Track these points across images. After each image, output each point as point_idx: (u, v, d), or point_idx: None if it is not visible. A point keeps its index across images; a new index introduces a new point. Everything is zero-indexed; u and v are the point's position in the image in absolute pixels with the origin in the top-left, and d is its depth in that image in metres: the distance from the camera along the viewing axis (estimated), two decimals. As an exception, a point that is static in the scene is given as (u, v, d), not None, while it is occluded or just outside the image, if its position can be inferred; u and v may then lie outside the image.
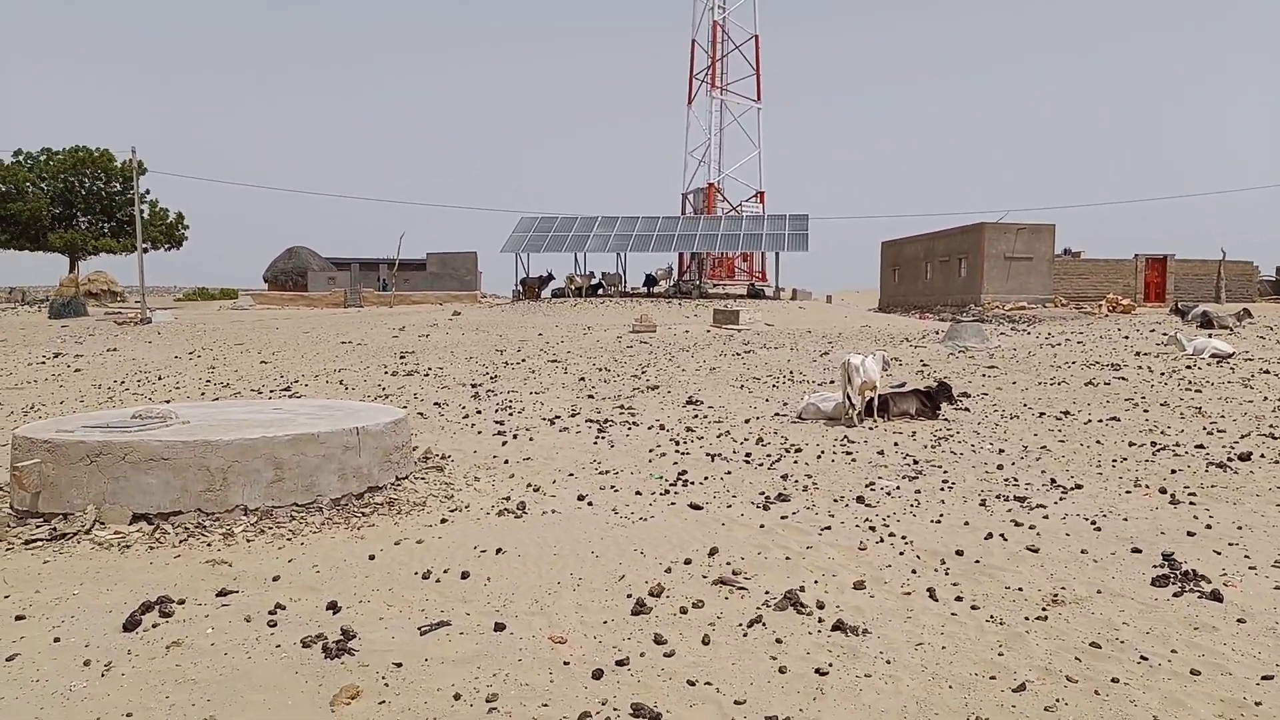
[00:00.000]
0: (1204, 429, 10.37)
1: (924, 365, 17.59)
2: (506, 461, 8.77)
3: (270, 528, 6.10)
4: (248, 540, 5.83)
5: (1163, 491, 7.35)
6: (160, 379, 17.17)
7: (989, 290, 33.27)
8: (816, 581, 4.79)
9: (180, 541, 5.78)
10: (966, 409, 11.96)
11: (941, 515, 6.40)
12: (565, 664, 3.75)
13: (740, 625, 4.16)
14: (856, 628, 4.08)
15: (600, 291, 43.35)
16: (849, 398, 10.95)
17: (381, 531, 6.10)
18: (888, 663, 3.72)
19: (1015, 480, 7.85)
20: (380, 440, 7.15)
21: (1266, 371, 15.27)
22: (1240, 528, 6.02)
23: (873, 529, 5.94)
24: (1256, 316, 25.39)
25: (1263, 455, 8.79)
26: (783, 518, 6.38)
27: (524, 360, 19.77)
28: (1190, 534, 5.83)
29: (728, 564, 5.10)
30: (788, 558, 5.21)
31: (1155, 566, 5.06)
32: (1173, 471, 8.18)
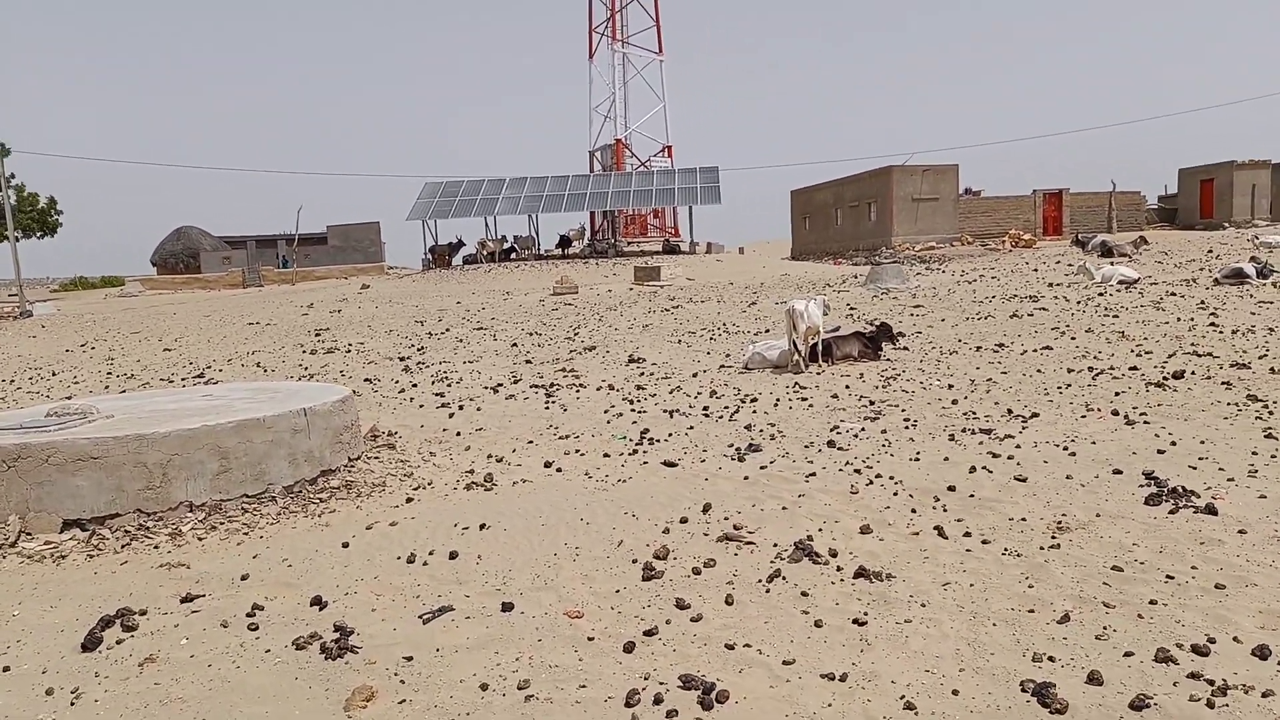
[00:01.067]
0: (1132, 351, 10.74)
1: (851, 309, 17.78)
2: (458, 434, 8.39)
3: (222, 523, 5.63)
4: (199, 538, 5.36)
5: (1115, 414, 7.54)
6: (55, 374, 15.95)
7: (899, 232, 33.97)
8: (821, 529, 4.66)
9: (122, 546, 5.27)
10: (905, 348, 12.10)
11: (918, 453, 6.38)
12: (590, 639, 3.51)
13: (760, 581, 4.00)
14: (879, 573, 3.96)
15: (513, 255, 42.46)
16: (794, 344, 10.91)
17: (345, 517, 5.71)
18: (922, 605, 3.61)
19: (974, 414, 7.93)
20: (329, 420, 6.69)
21: (1173, 294, 15.98)
22: (1203, 442, 6.19)
23: (857, 472, 5.87)
24: (1151, 242, 26.68)
25: (1193, 372, 9.13)
26: (762, 468, 6.25)
27: (448, 330, 19.15)
28: (1160, 452, 5.96)
29: (726, 519, 4.93)
30: (784, 508, 5.07)
31: (1141, 486, 5.12)
32: (1116, 394, 8.41)
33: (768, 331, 15.19)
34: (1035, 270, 23.40)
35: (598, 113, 51.00)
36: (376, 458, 7.26)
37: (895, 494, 5.26)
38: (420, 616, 3.82)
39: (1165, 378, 8.90)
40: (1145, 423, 7.10)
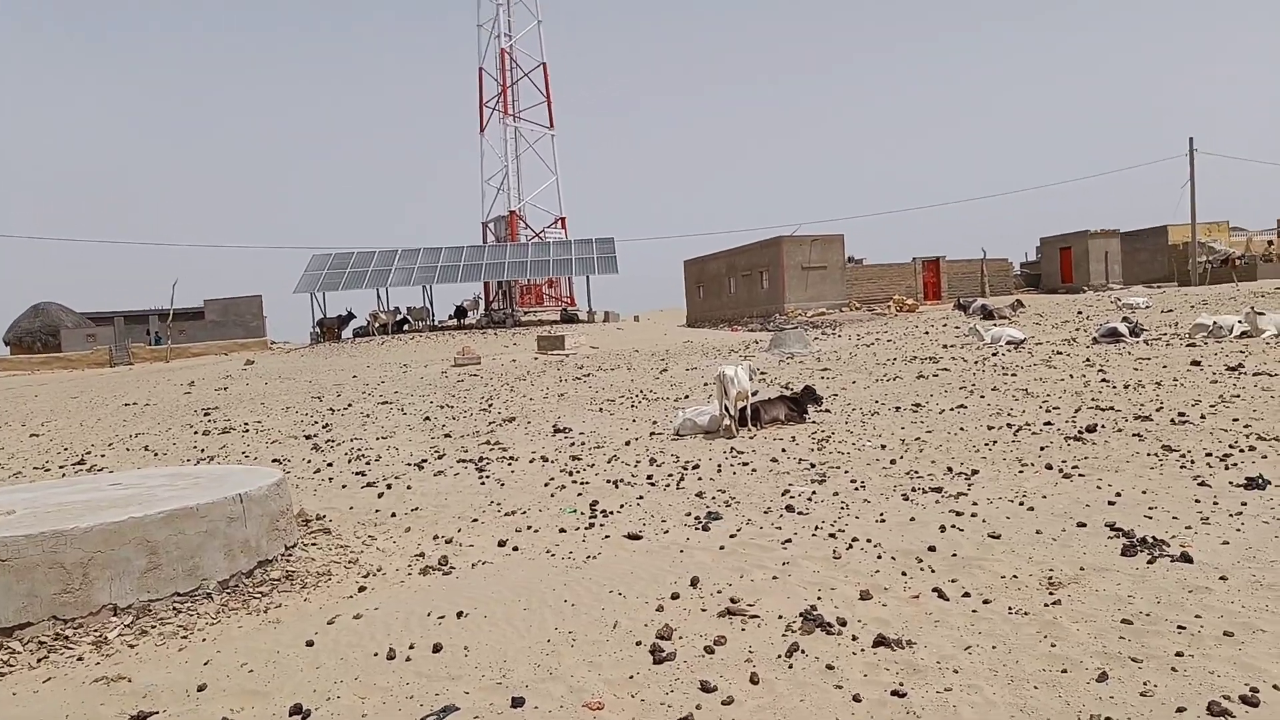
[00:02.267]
0: (1041, 407, 11.27)
1: (763, 373, 18.09)
2: (393, 514, 7.93)
3: (153, 626, 5.05)
4: (129, 645, 4.78)
5: (1049, 468, 7.82)
6: (-96, 467, 14.30)
7: (790, 299, 35.13)
8: (820, 598, 4.56)
9: (39, 660, 4.63)
10: (827, 410, 12.32)
11: (882, 514, 6.40)
12: (621, 733, 3.26)
13: (780, 657, 3.83)
14: (898, 640, 3.87)
15: (406, 327, 41.53)
16: (726, 409, 10.94)
17: (295, 611, 5.22)
18: (955, 672, 3.54)
19: (916, 473, 8.07)
20: (265, 506, 6.18)
21: (1059, 353, 17.00)
22: (1144, 492, 6.47)
23: (832, 536, 5.82)
24: (1027, 305, 28.49)
25: (1103, 426, 9.62)
26: (732, 536, 6.13)
27: (350, 405, 18.36)
28: (1111, 504, 6.18)
29: (719, 592, 4.75)
30: (774, 577, 4.94)
31: (1111, 538, 5.27)
32: (1041, 448, 8.75)
33: (687, 397, 15.23)
34: (926, 333, 24.53)
35: (490, 185, 51.15)
36: (314, 544, 6.74)
37: (879, 556, 5.23)
38: (425, 719, 3.47)
39: (1081, 432, 9.33)
40: (1081, 475, 7.38)
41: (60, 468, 12.76)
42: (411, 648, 4.26)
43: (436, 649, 4.23)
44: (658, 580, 5.08)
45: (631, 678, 3.76)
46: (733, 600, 4.58)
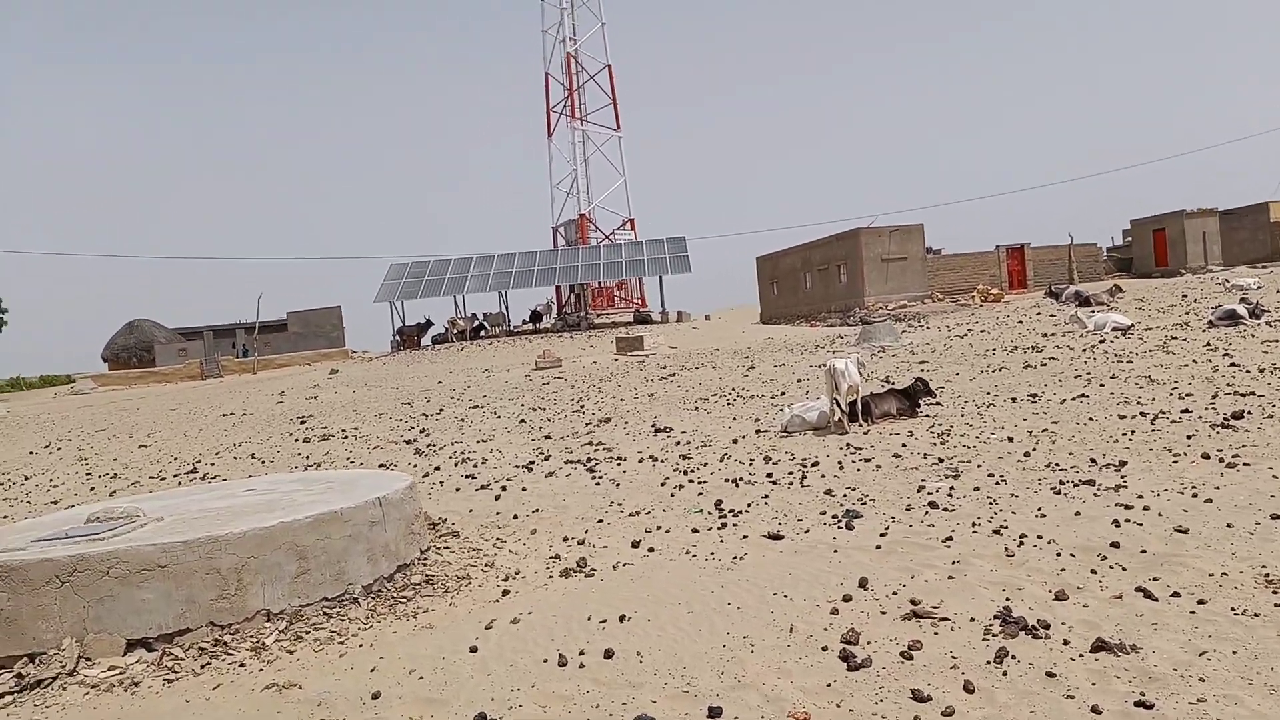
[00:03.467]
0: (1172, 394, 10.63)
1: (860, 366, 17.60)
2: (515, 516, 7.83)
3: (308, 632, 5.01)
4: (287, 652, 4.73)
5: (1206, 457, 7.31)
6: (28, 479, 14.90)
7: (870, 292, 34.36)
8: (1009, 599, 4.25)
9: (202, 666, 4.62)
10: (938, 403, 11.87)
11: (1041, 510, 6.03)
12: (841, 747, 3.02)
13: (989, 663, 3.55)
14: (1120, 645, 3.55)
15: (483, 333, 42.00)
16: (837, 403, 10.60)
17: (444, 616, 5.12)
18: (1202, 681, 3.20)
19: (1057, 465, 7.63)
20: (401, 510, 6.13)
21: (1174, 338, 16.14)
22: (1332, 481, 5.95)
23: (996, 533, 5.48)
24: (1125, 290, 27.27)
25: (1249, 412, 8.99)
26: (882, 535, 5.83)
27: (442, 410, 18.51)
28: (1298, 493, 5.69)
29: (894, 594, 4.48)
30: (950, 578, 4.65)
31: (1317, 530, 4.82)
32: (1188, 438, 8.20)
33: (783, 394, 14.90)
34: (1020, 322, 23.65)
35: (559, 189, 51.42)
36: (446, 547, 6.67)
37: (1058, 554, 4.88)
38: (620, 731, 3.29)
39: (1227, 419, 8.74)
40: (1246, 465, 6.86)
41: (175, 476, 13.11)
42: (582, 654, 4.10)
43: (608, 655, 4.06)
44: (820, 582, 4.83)
45: (829, 685, 3.52)
46: (913, 602, 4.30)
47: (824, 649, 3.87)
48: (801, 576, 4.96)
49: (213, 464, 14.12)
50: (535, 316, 42.20)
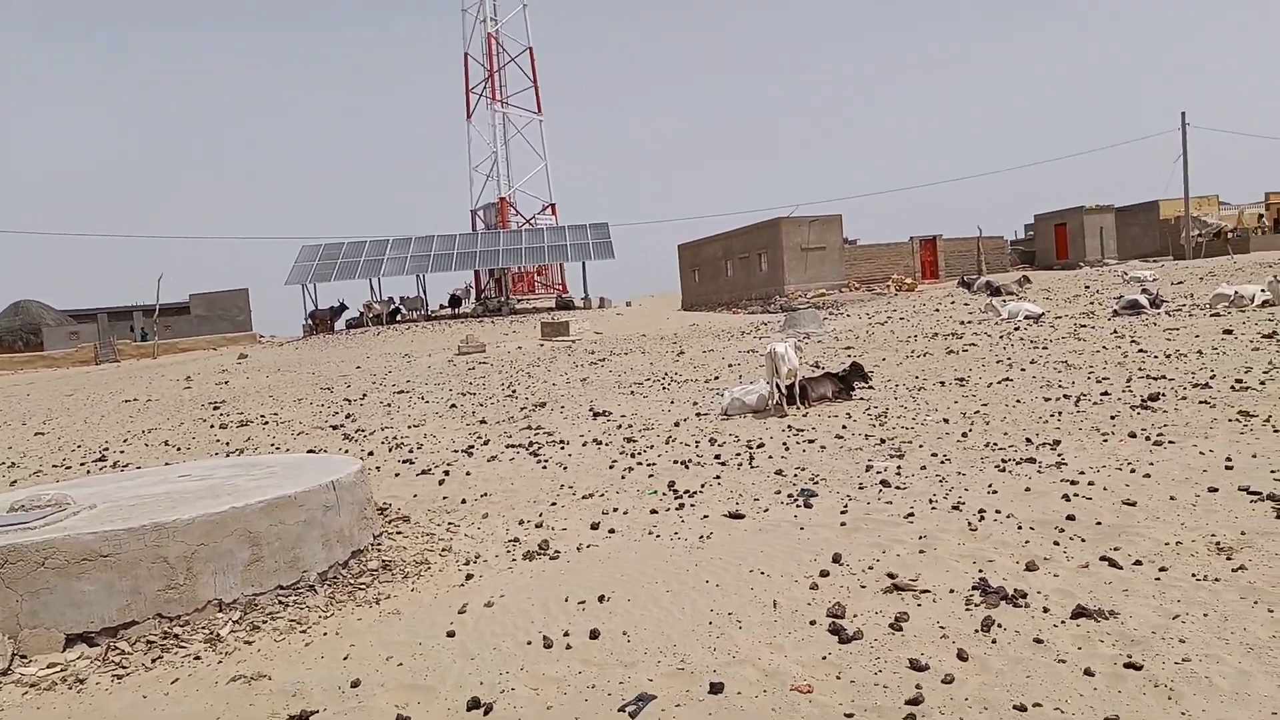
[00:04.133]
0: (1089, 379, 11.14)
1: (798, 351, 17.88)
2: (464, 501, 7.66)
3: (264, 621, 4.78)
4: (245, 643, 4.50)
5: (1133, 436, 7.67)
6: (-88, 469, 13.80)
7: (790, 281, 34.98)
8: (982, 571, 4.36)
9: (153, 660, 4.35)
10: (870, 387, 12.15)
11: (991, 486, 6.23)
12: (849, 717, 3.03)
13: (977, 632, 3.63)
14: (1100, 611, 3.69)
15: (399, 317, 41.02)
16: (777, 386, 10.73)
17: (410, 602, 4.96)
18: (1182, 642, 3.35)
19: (995, 445, 7.90)
20: (354, 494, 5.91)
21: (1084, 326, 16.94)
22: (1255, 456, 6.33)
23: (956, 509, 5.63)
24: (1032, 281, 28.50)
25: (1163, 394, 9.49)
26: (843, 512, 5.92)
27: (365, 396, 17.99)
28: (1229, 468, 6.03)
29: (868, 569, 4.55)
30: (921, 552, 4.75)
31: (1254, 501, 5.11)
32: (1111, 418, 8.61)
33: (716, 379, 15.02)
34: (936, 310, 24.44)
35: (478, 172, 50.54)
36: (400, 533, 6.47)
37: (1019, 528, 5.04)
38: (624, 709, 3.23)
39: (1145, 400, 9.20)
40: (1172, 442, 7.24)
41: (82, 465, 12.36)
42: (567, 635, 4.02)
43: (594, 635, 3.99)
44: (794, 558, 4.87)
45: (825, 658, 3.54)
46: (889, 575, 4.38)
47: (812, 623, 3.90)
48: (773, 554, 4.99)
49: (122, 451, 13.37)
50: (454, 301, 41.44)
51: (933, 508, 5.72)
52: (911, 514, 5.59)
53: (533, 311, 40.33)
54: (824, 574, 4.53)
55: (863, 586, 4.31)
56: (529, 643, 3.99)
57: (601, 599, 4.46)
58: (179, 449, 13.14)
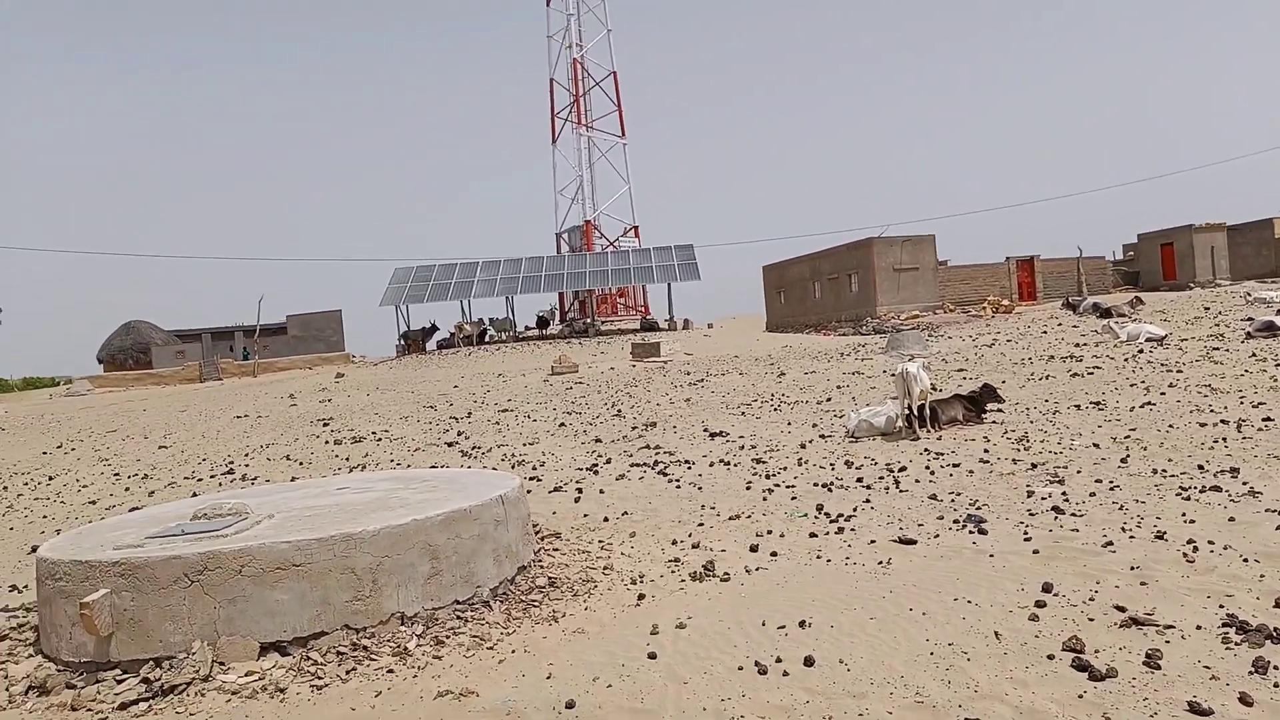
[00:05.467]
0: (1242, 403, 10.48)
1: (893, 376, 17.42)
2: (606, 519, 7.56)
3: (447, 636, 4.72)
4: (434, 657, 4.45)
5: (1322, 464, 7.13)
6: (52, 479, 14.49)
7: (883, 302, 34.27)
8: (1222, 606, 4.02)
9: (348, 673, 4.33)
10: (1000, 410, 11.68)
11: (1184, 515, 5.82)
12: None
13: (1252, 673, 3.32)
14: (1389, 655, 3.32)
15: (488, 338, 41.63)
16: (910, 408, 10.39)
17: (589, 620, 4.85)
18: None
19: (1165, 471, 7.44)
20: (518, 509, 5.86)
21: (1216, 349, 16.04)
22: None
23: (1160, 538, 5.26)
24: (1146, 303, 27.28)
25: (1336, 420, 8.84)
26: (1025, 539, 5.61)
27: (470, 414, 18.19)
28: None
29: (1090, 600, 4.25)
30: (1142, 584, 4.42)
31: None
32: (1285, 445, 8.03)
33: (829, 400, 14.70)
34: (1044, 333, 23.56)
35: (563, 196, 51.21)
36: (556, 549, 6.39)
37: (1245, 560, 4.67)
38: (878, 744, 3.03)
39: (1316, 426, 8.58)
40: (1371, 471, 6.69)
41: (212, 477, 12.75)
42: (779, 661, 3.84)
43: (809, 663, 3.80)
44: (996, 587, 4.59)
45: (1081, 697, 3.28)
46: (1117, 608, 4.07)
47: (1050, 657, 3.63)
48: (971, 582, 4.73)
49: (247, 465, 13.75)
50: (542, 322, 41.88)
51: (1130, 537, 5.36)
52: (1110, 543, 5.24)
53: (617, 333, 40.47)
54: (1040, 604, 4.25)
55: (1091, 620, 4.02)
56: (740, 668, 3.82)
57: (802, 624, 4.27)
58: (300, 463, 13.44)
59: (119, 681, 4.45)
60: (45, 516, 10.74)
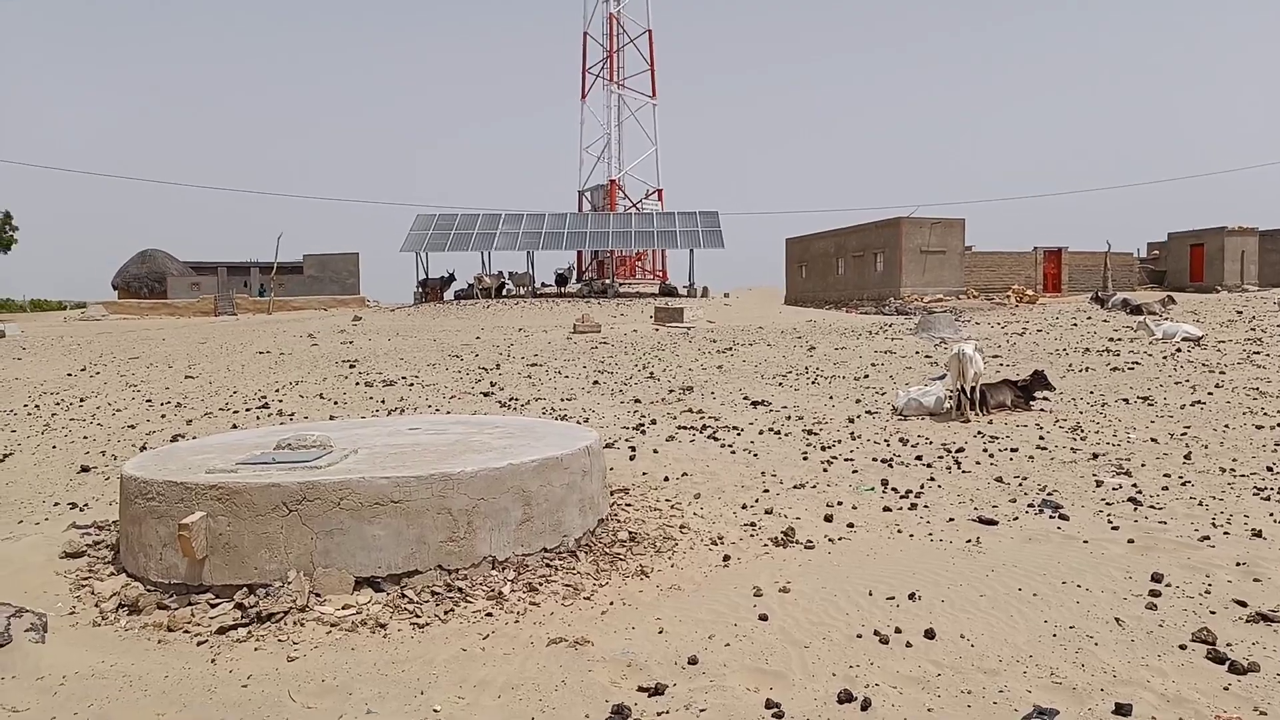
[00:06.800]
0: (1297, 408, 10.37)
1: (928, 357, 17.34)
2: (666, 479, 7.51)
3: (540, 584, 4.68)
4: (532, 604, 4.41)
5: (1396, 474, 7.05)
6: (83, 401, 14.46)
7: (907, 284, 34.03)
8: (1352, 608, 3.95)
9: (446, 613, 4.29)
10: (1046, 398, 11.58)
11: (1273, 514, 5.75)
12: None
13: (1402, 678, 3.25)
14: None
15: (505, 291, 41.49)
16: (963, 389, 10.30)
17: (679, 577, 4.81)
18: None
19: (1233, 470, 7.35)
20: (599, 461, 5.81)
21: (1257, 353, 15.90)
22: None
23: (1257, 535, 5.20)
24: (1180, 302, 27.05)
25: (1398, 432, 8.74)
26: (1114, 528, 5.55)
27: (498, 366, 18.13)
28: None
29: (1206, 592, 4.19)
30: (1256, 580, 4.36)
31: None
32: (1353, 452, 7.95)
33: (866, 376, 14.62)
34: (1075, 325, 23.38)
35: (589, 153, 50.69)
36: (629, 505, 6.35)
37: (1355, 563, 4.59)
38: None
39: (1382, 436, 8.48)
40: None
41: (248, 410, 12.72)
42: (899, 631, 3.79)
43: (930, 635, 3.75)
44: (1100, 573, 4.54)
45: (1226, 689, 3.22)
46: (1238, 602, 4.01)
47: (1181, 647, 3.58)
48: (1072, 566, 4.67)
49: (281, 401, 13.71)
50: (561, 280, 41.70)
51: (1225, 534, 5.30)
52: (1207, 537, 5.18)
53: (636, 296, 40.29)
54: (1154, 594, 4.19)
55: (1212, 612, 3.96)
56: (859, 635, 3.77)
57: (912, 596, 4.21)
58: (335, 403, 13.40)
59: (212, 605, 4.42)
60: (86, 437, 10.72)
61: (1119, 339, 19.37)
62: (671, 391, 13.44)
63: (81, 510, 6.93)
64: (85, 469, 8.67)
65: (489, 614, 4.28)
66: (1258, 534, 5.22)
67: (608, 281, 41.37)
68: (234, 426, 11.23)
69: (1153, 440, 8.83)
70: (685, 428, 10.14)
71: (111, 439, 10.59)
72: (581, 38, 50.95)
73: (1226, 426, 9.44)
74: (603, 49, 49.04)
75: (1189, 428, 9.48)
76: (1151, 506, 6.17)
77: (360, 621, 4.21)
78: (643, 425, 10.33)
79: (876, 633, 3.77)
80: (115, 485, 7.91)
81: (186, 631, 4.20)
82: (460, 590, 4.54)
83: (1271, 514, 5.77)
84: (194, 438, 10.60)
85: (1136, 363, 15.21)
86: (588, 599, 4.47)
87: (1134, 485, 6.88)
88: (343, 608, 4.34)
